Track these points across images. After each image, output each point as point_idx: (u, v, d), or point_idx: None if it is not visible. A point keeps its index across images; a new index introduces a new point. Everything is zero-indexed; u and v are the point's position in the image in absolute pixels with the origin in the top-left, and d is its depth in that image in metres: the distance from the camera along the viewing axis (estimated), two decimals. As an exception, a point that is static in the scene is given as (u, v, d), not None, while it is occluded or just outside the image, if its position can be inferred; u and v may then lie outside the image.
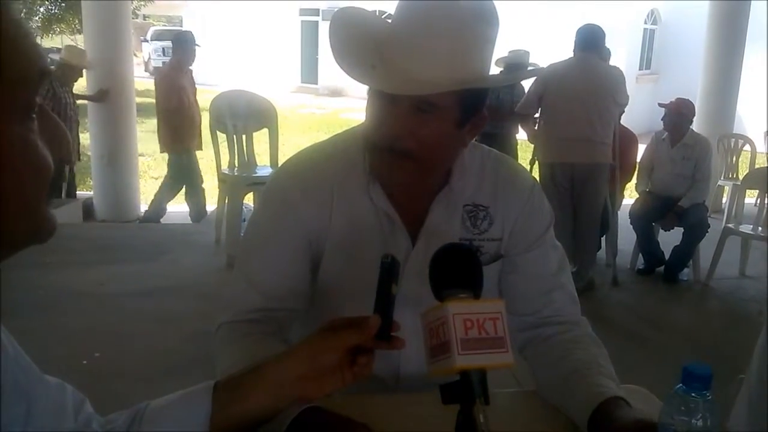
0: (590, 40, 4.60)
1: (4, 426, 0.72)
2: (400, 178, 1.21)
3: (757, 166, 6.70)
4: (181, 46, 6.03)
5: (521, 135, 6.01)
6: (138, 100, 7.03)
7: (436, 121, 1.14)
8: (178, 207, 7.29)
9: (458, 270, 0.88)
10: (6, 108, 0.60)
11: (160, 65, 25.48)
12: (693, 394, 0.83)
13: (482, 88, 1.19)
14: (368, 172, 1.25)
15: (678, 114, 5.16)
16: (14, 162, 0.61)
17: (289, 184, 1.28)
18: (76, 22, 14.43)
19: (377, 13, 1.37)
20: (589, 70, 4.54)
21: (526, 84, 5.22)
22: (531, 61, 5.97)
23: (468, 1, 1.11)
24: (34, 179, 0.64)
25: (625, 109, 4.92)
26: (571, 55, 4.66)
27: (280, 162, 5.11)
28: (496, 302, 0.85)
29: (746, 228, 5.20)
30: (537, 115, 4.96)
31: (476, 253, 0.94)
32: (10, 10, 0.62)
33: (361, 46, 1.17)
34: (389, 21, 1.19)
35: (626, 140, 5.24)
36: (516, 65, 5.66)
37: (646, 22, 16.48)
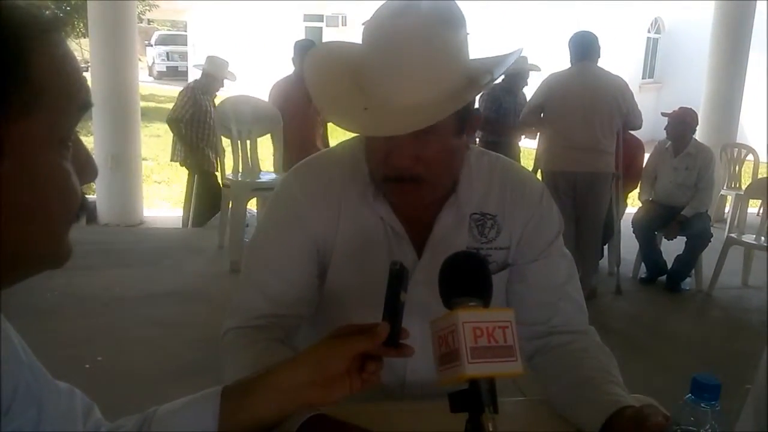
0: (587, 48, 4.60)
1: (16, 430, 0.73)
2: (416, 201, 1.21)
3: (759, 176, 6.68)
4: (300, 55, 5.48)
5: (524, 143, 6.03)
6: (142, 104, 7.04)
7: (438, 139, 1.13)
8: (181, 211, 7.29)
9: (468, 278, 0.88)
10: (45, 136, 0.61)
11: (164, 69, 25.69)
12: (702, 405, 0.83)
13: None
14: (369, 184, 1.24)
15: (681, 123, 5.17)
16: (46, 189, 0.62)
17: (297, 191, 1.28)
18: (81, 25, 14.45)
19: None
20: (591, 78, 4.55)
21: (528, 93, 5.22)
22: (531, 63, 5.96)
23: (429, 7, 1.09)
24: (62, 207, 0.64)
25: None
26: (569, 64, 4.67)
27: (284, 168, 5.08)
28: (506, 311, 0.85)
29: (749, 238, 5.19)
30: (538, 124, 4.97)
31: (486, 261, 0.94)
32: (63, 42, 0.63)
33: (349, 87, 1.13)
34: (362, 49, 1.14)
35: (633, 147, 5.25)
36: (516, 73, 5.67)
37: (649, 31, 16.50)
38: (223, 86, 6.13)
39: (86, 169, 0.68)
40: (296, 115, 5.29)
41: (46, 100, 0.60)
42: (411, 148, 1.11)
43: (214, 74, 5.94)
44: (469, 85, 1.12)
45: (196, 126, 5.85)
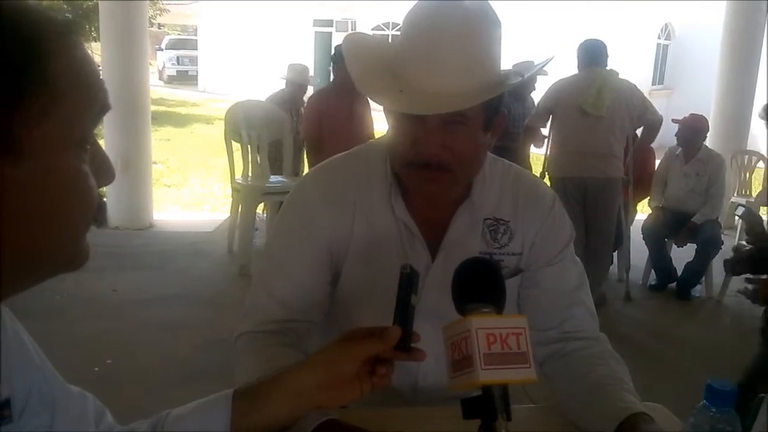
0: (596, 55, 4.59)
1: None
2: (438, 191, 1.22)
3: (770, 183, 6.65)
4: (340, 64, 4.80)
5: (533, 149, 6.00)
6: (152, 108, 7.07)
7: (466, 130, 1.16)
8: (191, 215, 7.32)
9: (481, 284, 0.88)
10: (64, 138, 0.61)
11: (174, 73, 25.77)
12: (717, 411, 0.83)
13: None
14: (390, 183, 1.26)
15: (692, 130, 5.15)
16: (64, 192, 0.62)
17: (312, 193, 1.29)
18: (93, 29, 14.53)
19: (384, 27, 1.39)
20: (600, 82, 4.52)
21: (536, 97, 5.21)
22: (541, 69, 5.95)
23: (471, 5, 1.14)
24: (80, 209, 0.64)
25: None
26: (577, 70, 4.66)
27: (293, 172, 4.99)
28: (520, 317, 0.85)
29: (760, 245, 5.15)
30: (546, 129, 4.96)
31: (499, 267, 0.94)
32: (81, 45, 0.63)
33: (384, 72, 1.18)
34: (397, 40, 1.20)
35: (644, 154, 5.22)
36: (528, 78, 5.65)
37: (659, 37, 16.46)
38: (306, 92, 5.97)
39: (103, 171, 0.68)
40: (335, 128, 4.99)
41: (65, 103, 0.60)
42: (440, 135, 1.14)
43: (299, 82, 5.82)
44: (499, 81, 1.16)
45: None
